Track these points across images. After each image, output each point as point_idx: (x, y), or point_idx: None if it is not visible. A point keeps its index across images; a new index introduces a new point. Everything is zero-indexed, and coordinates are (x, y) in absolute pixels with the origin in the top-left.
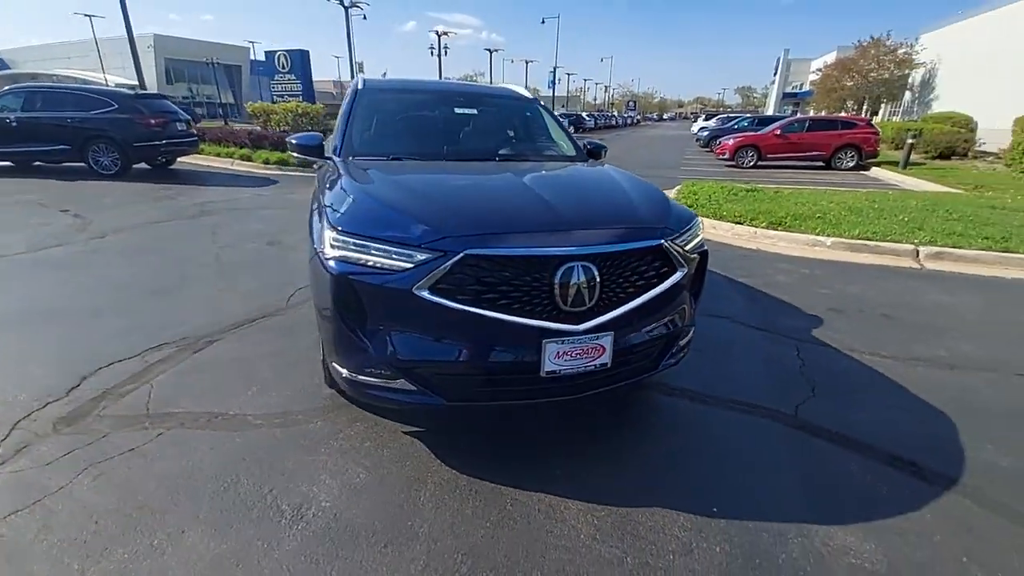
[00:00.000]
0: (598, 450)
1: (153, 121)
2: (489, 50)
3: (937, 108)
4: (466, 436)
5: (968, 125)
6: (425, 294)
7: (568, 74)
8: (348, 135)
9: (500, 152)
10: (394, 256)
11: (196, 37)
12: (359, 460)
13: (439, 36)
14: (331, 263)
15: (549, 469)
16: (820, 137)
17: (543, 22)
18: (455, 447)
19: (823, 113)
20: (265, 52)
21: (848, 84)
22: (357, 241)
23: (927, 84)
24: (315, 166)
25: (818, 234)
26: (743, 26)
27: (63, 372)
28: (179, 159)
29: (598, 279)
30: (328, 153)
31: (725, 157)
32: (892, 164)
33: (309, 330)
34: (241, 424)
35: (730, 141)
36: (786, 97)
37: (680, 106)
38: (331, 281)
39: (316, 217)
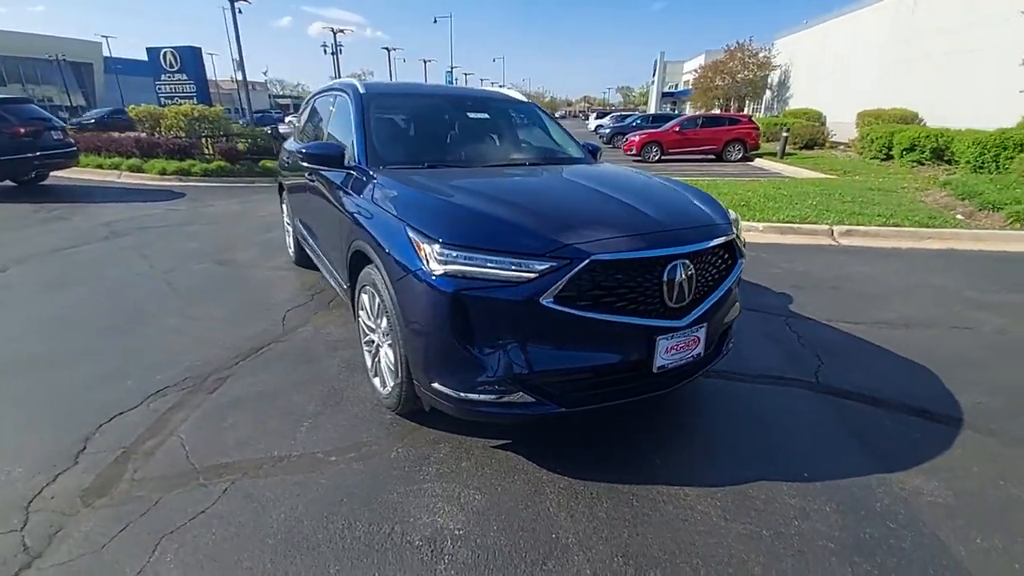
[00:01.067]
0: (682, 436)
1: (23, 130)
2: (387, 48)
3: (793, 105)
4: (555, 442)
5: (819, 119)
6: (551, 303)
7: (465, 74)
8: (370, 144)
9: (530, 157)
10: (513, 267)
11: (25, 30)
12: (466, 481)
13: (335, 33)
14: (439, 278)
15: (649, 461)
16: (712, 133)
17: (435, 21)
18: (551, 454)
19: (701, 110)
20: (147, 49)
21: (719, 84)
22: (469, 254)
23: (783, 84)
24: (280, 177)
25: (748, 220)
26: (618, 29)
27: (56, 435)
28: (52, 173)
29: (694, 275)
30: (348, 163)
31: (632, 153)
32: (771, 155)
33: (325, 353)
34: (315, 464)
35: (636, 138)
36: (665, 96)
37: (569, 104)
38: (440, 298)
39: (371, 231)
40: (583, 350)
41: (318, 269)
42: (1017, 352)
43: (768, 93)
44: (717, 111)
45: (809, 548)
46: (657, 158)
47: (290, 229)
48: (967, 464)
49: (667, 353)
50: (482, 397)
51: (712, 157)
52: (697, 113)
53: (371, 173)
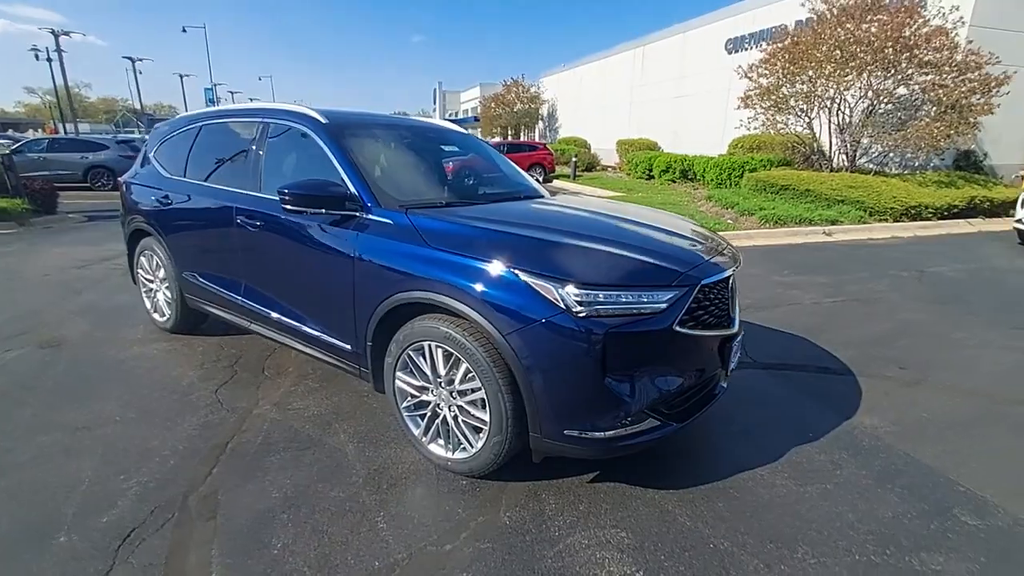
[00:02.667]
0: (707, 429)
1: None
2: (131, 59)
3: (563, 134)
4: (628, 464)
5: (586, 146)
6: (678, 328)
7: (232, 92)
8: (371, 182)
9: (513, 190)
10: (645, 300)
11: None
12: (601, 522)
13: (56, 36)
14: (583, 321)
15: (709, 458)
16: (518, 158)
17: (184, 31)
18: (643, 472)
19: (495, 138)
20: None
21: (500, 113)
22: (607, 292)
23: (552, 115)
24: (135, 220)
25: None
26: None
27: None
28: None
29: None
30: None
31: None
32: (564, 176)
33: (321, 432)
34: (438, 560)
35: (450, 164)
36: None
37: None
38: (586, 340)
39: (450, 281)
40: (691, 366)
41: (223, 332)
42: (835, 316)
43: (540, 123)
44: (499, 138)
45: (860, 484)
46: None
47: (161, 287)
48: (883, 402)
49: (733, 357)
50: (619, 432)
51: None
52: (501, 141)
53: (395, 215)
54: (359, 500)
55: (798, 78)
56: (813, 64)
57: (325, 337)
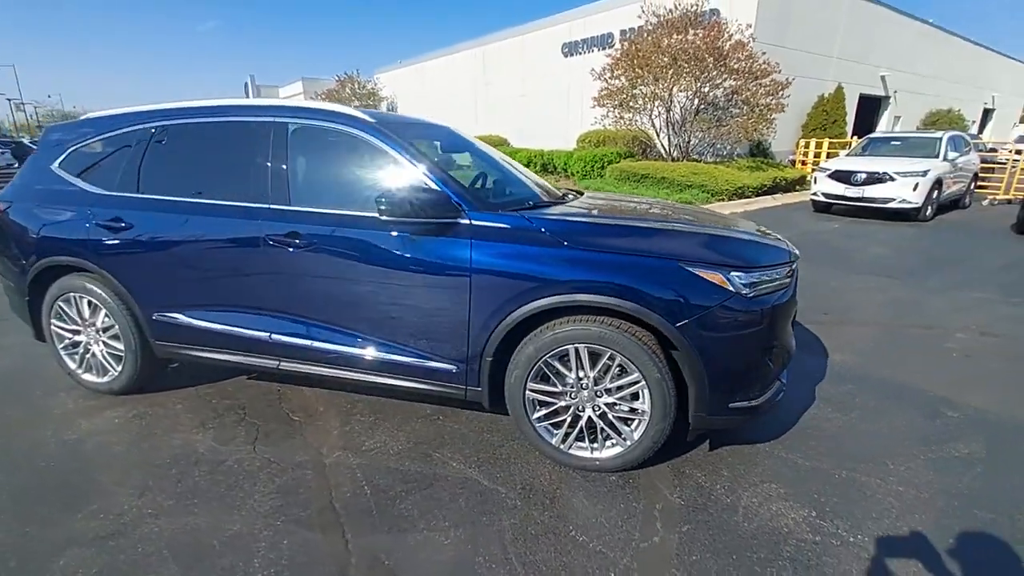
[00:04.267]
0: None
1: None
2: None
3: None
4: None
5: None
6: (796, 298)
7: None
8: (458, 184)
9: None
10: (778, 275)
11: None
12: (752, 481)
13: None
14: (754, 300)
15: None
16: None
17: None
18: (737, 433)
19: None
20: None
21: None
22: (760, 273)
23: (393, 112)
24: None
25: None
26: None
27: None
28: None
29: None
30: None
31: None
32: None
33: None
34: (648, 535)
35: None
36: None
37: None
38: (757, 317)
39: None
40: (788, 329)
41: (188, 382)
42: None
43: None
44: None
45: (875, 406)
46: None
47: (100, 338)
48: (833, 341)
49: None
50: (764, 397)
51: None
52: None
53: (507, 218)
54: (539, 522)
55: (640, 81)
56: (653, 69)
57: (419, 363)
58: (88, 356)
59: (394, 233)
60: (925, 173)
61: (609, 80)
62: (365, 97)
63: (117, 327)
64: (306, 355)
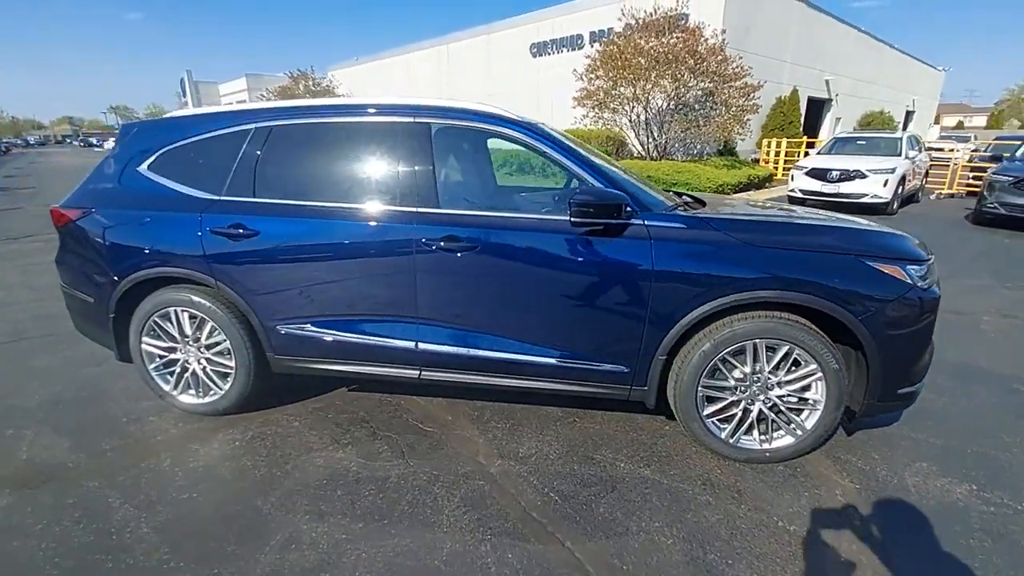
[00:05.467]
0: None
1: None
2: None
3: None
4: None
5: None
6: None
7: None
8: (633, 184)
9: None
10: (935, 268)
11: None
12: (902, 461)
13: None
14: (930, 290)
15: None
16: None
17: None
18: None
19: None
20: None
21: None
22: (929, 265)
23: None
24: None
25: None
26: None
27: None
28: None
29: None
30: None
31: None
32: None
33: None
34: (853, 514)
35: None
36: None
37: (39, 127)
38: (933, 305)
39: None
40: None
41: (292, 398)
42: None
43: None
44: None
45: (960, 389)
46: None
47: (202, 355)
48: None
49: None
50: (923, 381)
51: None
52: None
53: (683, 218)
54: (743, 515)
55: (622, 82)
56: (634, 70)
57: (588, 366)
58: (187, 375)
59: (567, 235)
60: (893, 170)
61: (590, 80)
62: (320, 94)
63: (228, 342)
64: (456, 363)
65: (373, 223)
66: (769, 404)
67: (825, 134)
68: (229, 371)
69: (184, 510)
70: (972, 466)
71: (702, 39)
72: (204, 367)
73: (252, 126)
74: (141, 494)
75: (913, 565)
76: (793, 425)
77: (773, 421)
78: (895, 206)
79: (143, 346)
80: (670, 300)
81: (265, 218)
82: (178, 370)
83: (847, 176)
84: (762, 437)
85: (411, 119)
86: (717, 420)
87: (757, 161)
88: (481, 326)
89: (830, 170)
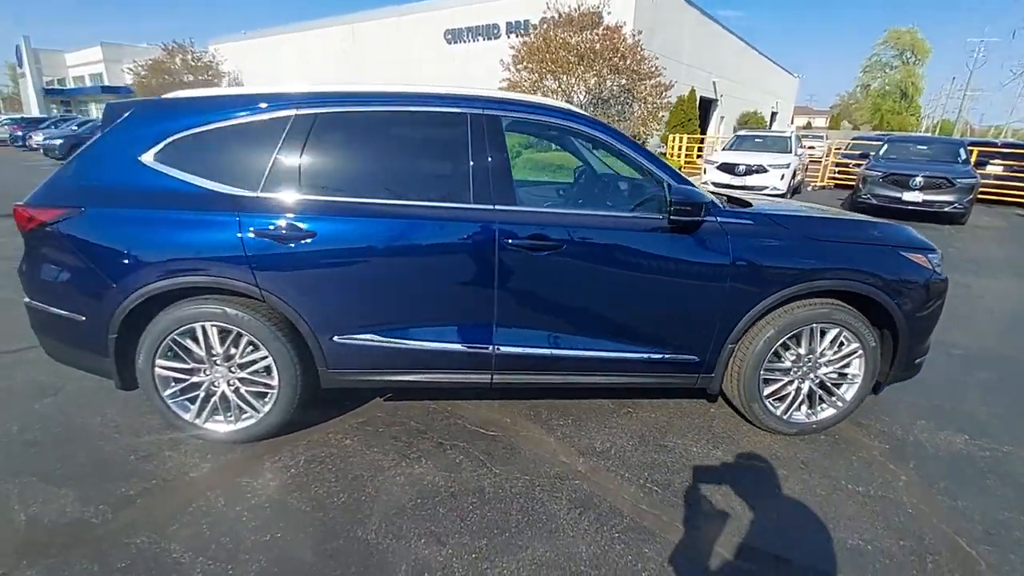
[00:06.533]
0: None
1: None
2: None
3: None
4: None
5: None
6: None
7: None
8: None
9: None
10: None
11: None
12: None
13: None
14: (941, 275)
15: None
16: None
17: None
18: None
19: None
20: None
21: (164, 85)
22: (940, 253)
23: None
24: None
25: None
26: None
27: None
28: None
29: None
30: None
31: None
32: None
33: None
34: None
35: None
36: (51, 94)
37: None
38: (946, 287)
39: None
40: None
41: (323, 416)
42: None
43: None
44: None
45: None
46: None
47: (234, 375)
48: None
49: None
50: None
51: None
52: None
53: (750, 215)
54: (821, 484)
55: (549, 75)
56: (561, 64)
57: (666, 357)
58: (214, 399)
59: (654, 233)
60: (788, 165)
61: (517, 71)
62: (201, 71)
63: (270, 358)
64: (533, 365)
65: (448, 222)
66: (817, 381)
67: (711, 131)
68: (269, 391)
69: (278, 554)
70: (958, 419)
71: (620, 38)
72: (237, 388)
73: (292, 112)
74: (213, 543)
75: (972, 503)
76: (835, 398)
77: (820, 397)
78: (789, 196)
79: (157, 370)
80: (744, 291)
81: (322, 217)
82: (202, 394)
83: (752, 170)
84: (809, 411)
85: (480, 111)
86: (773, 400)
87: (664, 155)
88: (562, 325)
89: (738, 165)
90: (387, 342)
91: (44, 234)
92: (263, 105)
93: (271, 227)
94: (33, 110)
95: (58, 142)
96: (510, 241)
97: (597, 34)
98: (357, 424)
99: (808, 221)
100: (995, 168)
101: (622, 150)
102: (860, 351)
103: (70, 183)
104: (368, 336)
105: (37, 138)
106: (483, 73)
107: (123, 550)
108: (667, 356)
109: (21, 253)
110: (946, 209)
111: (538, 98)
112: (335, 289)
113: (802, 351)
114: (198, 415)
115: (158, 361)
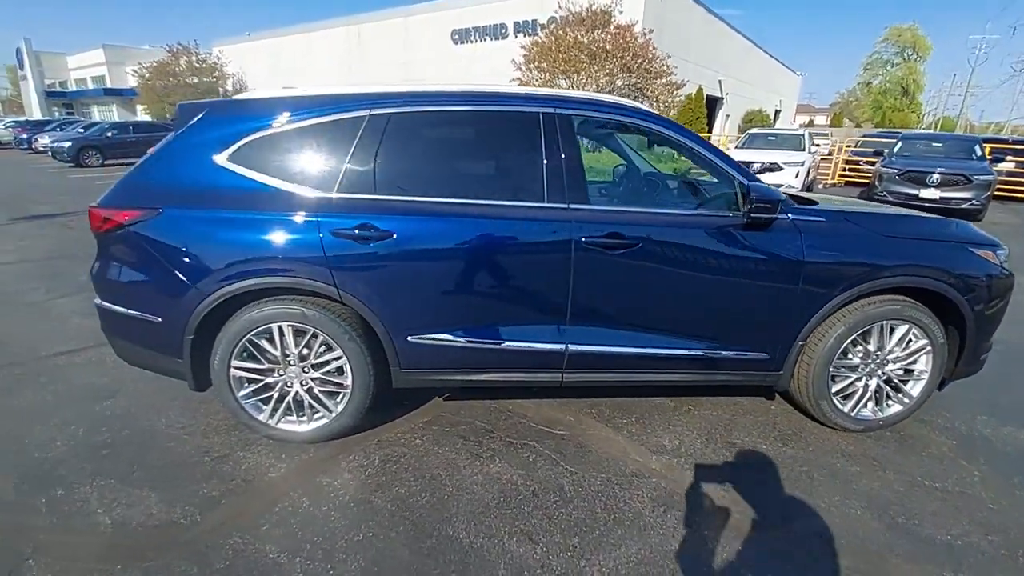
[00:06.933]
0: None
1: None
2: None
3: None
4: None
5: None
6: None
7: None
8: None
9: None
10: None
11: None
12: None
13: None
14: (1009, 272)
15: None
16: None
17: None
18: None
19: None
20: None
21: (171, 87)
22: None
23: (241, 91)
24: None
25: None
26: None
27: None
28: None
29: None
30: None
31: None
32: None
33: None
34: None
35: None
36: (52, 97)
37: None
38: (1012, 282)
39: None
40: None
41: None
42: None
43: None
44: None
45: None
46: None
47: (306, 375)
48: None
49: None
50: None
51: None
52: None
53: (819, 212)
54: (898, 480)
55: (561, 74)
56: (573, 63)
57: (735, 355)
58: (287, 400)
59: (729, 230)
60: (803, 163)
61: (528, 70)
62: (206, 72)
63: (345, 358)
64: (604, 363)
65: (525, 221)
66: (884, 378)
67: (717, 130)
68: (341, 391)
69: (375, 553)
70: (1017, 414)
71: (632, 37)
72: (310, 388)
73: (366, 113)
74: (307, 543)
75: None
76: (901, 394)
77: (888, 394)
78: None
79: (232, 371)
80: (816, 288)
81: (399, 218)
82: (275, 395)
83: (767, 168)
84: (875, 408)
85: (552, 109)
86: (840, 397)
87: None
88: (634, 323)
89: (752, 163)
90: (460, 342)
91: (120, 235)
92: (337, 106)
93: (350, 228)
94: (35, 113)
95: (66, 144)
96: (585, 240)
97: (608, 33)
98: (423, 424)
99: (880, 218)
100: (1007, 165)
101: (694, 148)
102: (928, 347)
103: (145, 184)
104: (442, 336)
105: (44, 140)
106: (486, 73)
107: (219, 552)
108: (737, 353)
109: (49, 257)
110: (963, 206)
111: (609, 96)
112: (411, 289)
113: (871, 347)
114: (271, 415)
115: (234, 362)
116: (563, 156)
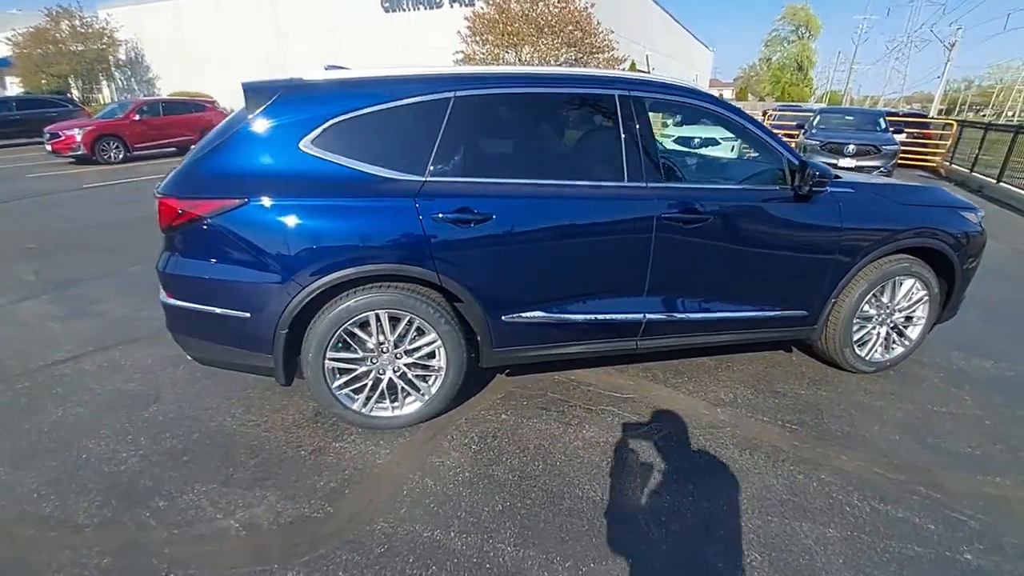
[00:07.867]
0: None
1: None
2: None
3: (169, 87)
4: None
5: (214, 103)
6: None
7: None
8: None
9: None
10: None
11: None
12: None
13: None
14: (984, 231)
15: None
16: (184, 120)
17: None
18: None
19: (28, 91)
20: None
21: (50, 56)
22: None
23: (139, 61)
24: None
25: None
26: None
27: None
28: None
29: None
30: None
31: (77, 152)
32: None
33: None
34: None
35: (76, 132)
36: None
37: None
38: (986, 241)
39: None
40: None
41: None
42: None
43: (117, 72)
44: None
45: None
46: (121, 158)
47: (402, 361)
48: None
49: None
50: None
51: (187, 149)
52: (153, 98)
53: (849, 184)
54: (932, 404)
55: (509, 47)
56: (522, 36)
57: (783, 314)
58: (381, 387)
59: (785, 203)
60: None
61: (473, 43)
62: (93, 39)
63: (439, 341)
64: (673, 329)
65: (610, 199)
66: (892, 326)
67: None
68: (432, 374)
69: (521, 520)
70: (979, 349)
71: (575, 10)
72: (403, 374)
73: (451, 94)
74: (453, 519)
75: None
76: (904, 338)
77: (893, 339)
78: None
79: (327, 363)
80: (852, 251)
81: (495, 200)
82: (369, 383)
83: (704, 143)
84: (884, 351)
85: (624, 92)
86: (858, 344)
87: None
88: (702, 291)
89: (692, 138)
90: (550, 318)
91: (197, 228)
92: (421, 87)
93: (450, 212)
94: None
95: None
96: (665, 215)
97: (552, 5)
98: (500, 400)
99: (893, 188)
100: (902, 136)
101: (747, 127)
102: (927, 298)
103: (223, 173)
104: (534, 313)
105: None
106: (422, 45)
107: (371, 537)
108: (785, 312)
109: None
110: (874, 173)
111: (673, 79)
112: (508, 269)
113: (884, 300)
114: (364, 403)
115: (329, 355)
116: (640, 136)
